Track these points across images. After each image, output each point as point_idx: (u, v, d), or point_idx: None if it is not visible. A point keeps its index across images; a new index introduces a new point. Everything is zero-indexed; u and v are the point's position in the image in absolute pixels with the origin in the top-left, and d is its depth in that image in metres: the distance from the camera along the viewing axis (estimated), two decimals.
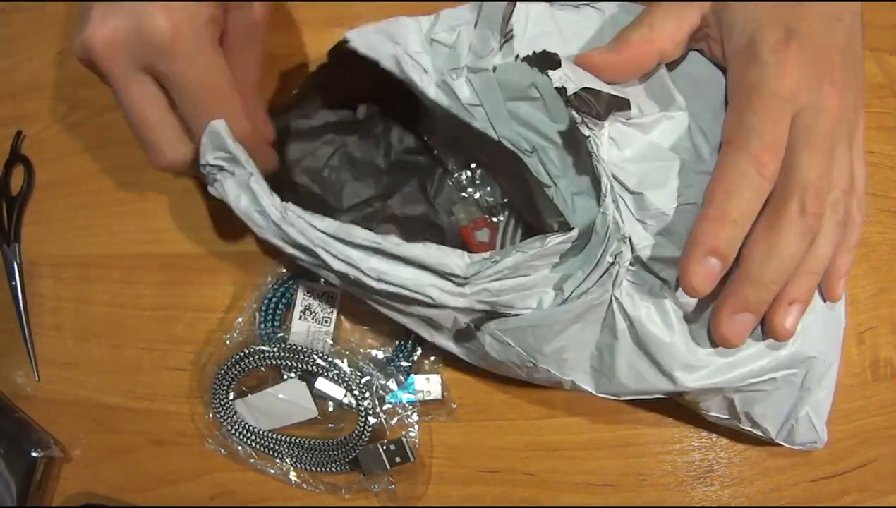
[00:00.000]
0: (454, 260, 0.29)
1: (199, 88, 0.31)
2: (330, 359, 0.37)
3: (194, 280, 0.40)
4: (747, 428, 0.34)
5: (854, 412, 0.38)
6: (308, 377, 0.37)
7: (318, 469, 0.37)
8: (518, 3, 0.32)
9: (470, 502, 0.38)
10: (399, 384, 0.37)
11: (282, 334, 0.38)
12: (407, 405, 0.37)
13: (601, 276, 0.29)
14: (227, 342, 0.38)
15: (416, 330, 0.33)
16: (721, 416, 0.34)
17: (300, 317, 0.38)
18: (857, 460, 0.38)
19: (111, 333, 0.40)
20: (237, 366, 0.37)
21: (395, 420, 0.37)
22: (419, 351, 0.38)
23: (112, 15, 0.31)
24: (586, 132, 0.29)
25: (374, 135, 0.40)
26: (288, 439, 0.37)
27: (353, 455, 0.36)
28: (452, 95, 0.32)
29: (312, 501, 0.37)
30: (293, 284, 0.38)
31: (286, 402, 0.37)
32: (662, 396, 0.32)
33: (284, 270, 0.39)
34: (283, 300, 0.38)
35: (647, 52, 0.32)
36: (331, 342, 0.38)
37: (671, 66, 0.33)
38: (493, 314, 0.31)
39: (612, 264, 0.29)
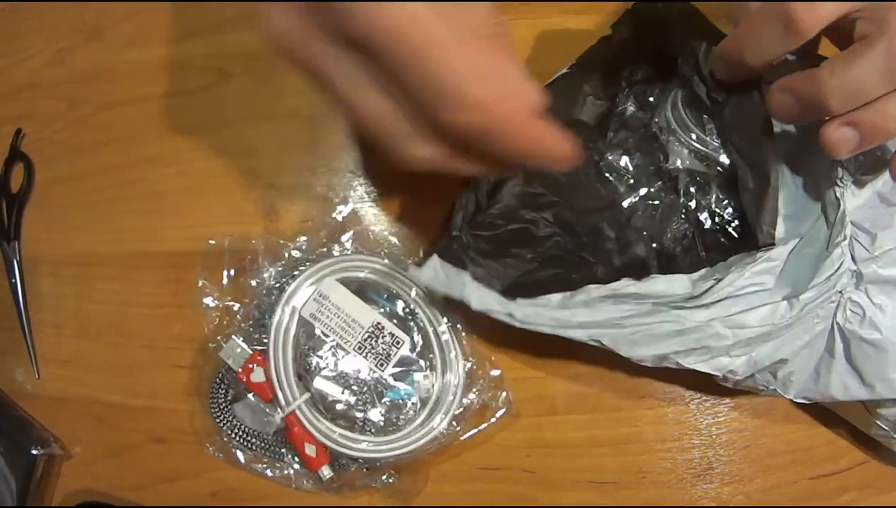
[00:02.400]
0: (682, 282, 0.32)
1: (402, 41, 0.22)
2: (328, 357, 0.37)
3: (194, 278, 0.40)
4: None
5: None
6: (306, 376, 0.37)
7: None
8: None
9: (469, 499, 0.38)
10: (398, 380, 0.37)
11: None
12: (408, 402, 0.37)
13: (827, 300, 0.32)
14: (224, 344, 0.38)
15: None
16: (886, 423, 0.34)
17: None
18: (857, 457, 0.38)
19: (111, 331, 0.40)
20: (233, 370, 0.37)
21: (395, 416, 0.37)
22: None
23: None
24: (839, 182, 0.32)
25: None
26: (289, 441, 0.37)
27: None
28: None
29: (313, 500, 0.37)
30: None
31: None
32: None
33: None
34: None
35: None
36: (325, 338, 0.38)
37: None
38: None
39: (840, 293, 0.32)
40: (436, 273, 0.34)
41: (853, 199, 0.33)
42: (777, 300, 0.31)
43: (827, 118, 0.29)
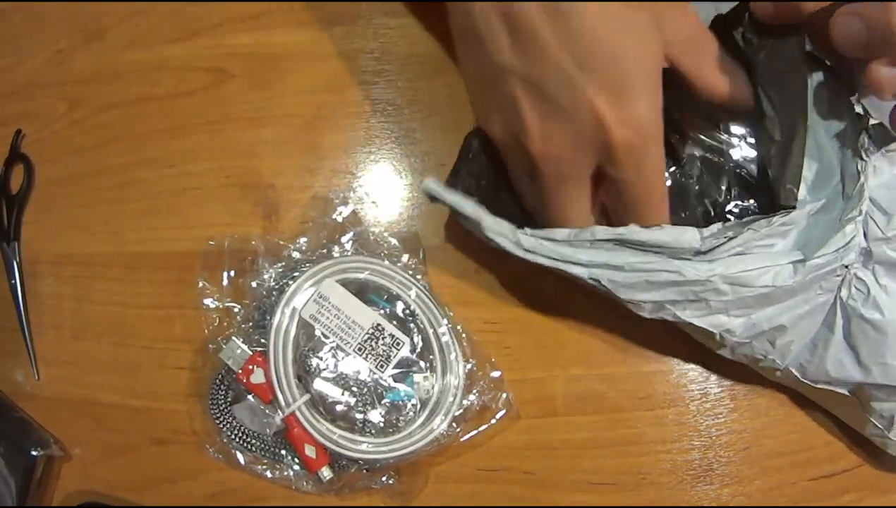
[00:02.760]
0: (692, 235, 0.32)
1: (639, 194, 0.31)
2: (327, 359, 0.37)
3: (194, 278, 0.40)
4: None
5: None
6: (306, 377, 0.37)
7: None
8: None
9: (469, 500, 0.38)
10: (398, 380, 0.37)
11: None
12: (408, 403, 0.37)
13: (833, 273, 0.32)
14: (224, 345, 0.38)
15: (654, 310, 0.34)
16: (880, 420, 0.34)
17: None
18: (856, 459, 0.38)
19: (111, 332, 0.40)
20: (232, 371, 0.37)
21: (395, 417, 0.37)
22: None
23: (553, 118, 0.30)
24: (864, 155, 0.32)
25: None
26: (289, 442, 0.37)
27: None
28: None
29: (313, 500, 0.37)
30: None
31: None
32: (844, 392, 0.34)
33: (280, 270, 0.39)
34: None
35: None
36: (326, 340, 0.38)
37: None
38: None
39: (846, 268, 0.32)
40: (446, 191, 0.34)
41: (874, 176, 0.33)
42: (782, 263, 0.31)
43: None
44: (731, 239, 0.32)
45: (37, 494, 0.38)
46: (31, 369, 0.40)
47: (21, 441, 0.38)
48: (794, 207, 0.32)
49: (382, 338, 0.37)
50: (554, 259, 0.33)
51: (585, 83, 0.29)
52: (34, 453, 0.38)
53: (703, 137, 0.37)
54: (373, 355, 0.37)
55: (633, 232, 0.32)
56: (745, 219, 0.33)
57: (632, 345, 0.39)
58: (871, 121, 0.32)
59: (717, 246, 0.32)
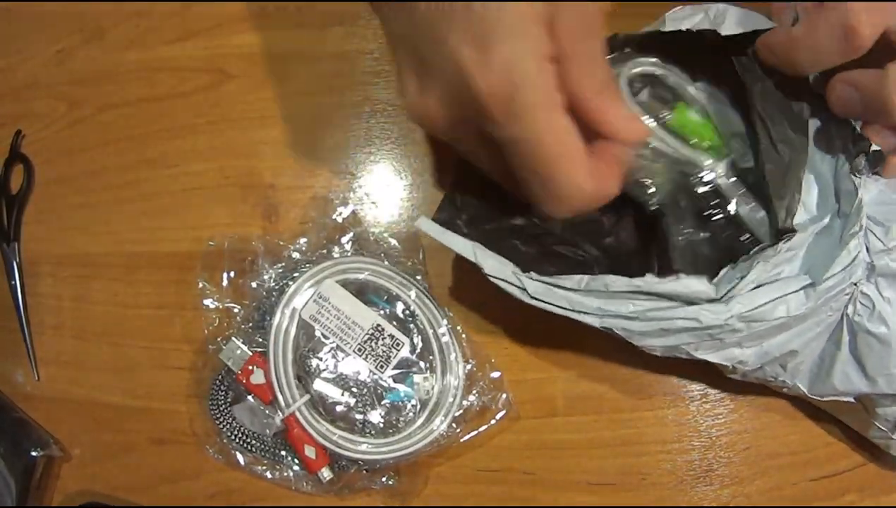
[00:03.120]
0: (705, 286, 0.31)
1: (534, 152, 0.27)
2: (327, 359, 0.37)
3: (194, 279, 0.40)
4: None
5: None
6: (305, 378, 0.37)
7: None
8: None
9: (469, 501, 0.38)
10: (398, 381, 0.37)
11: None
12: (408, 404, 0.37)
13: (842, 292, 0.32)
14: (224, 346, 0.38)
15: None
16: (885, 424, 0.34)
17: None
18: (857, 459, 0.38)
19: (111, 332, 0.40)
20: (233, 372, 0.37)
21: (395, 418, 0.37)
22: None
23: (427, 82, 0.28)
24: (856, 174, 0.32)
25: None
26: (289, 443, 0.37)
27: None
28: None
29: (312, 502, 0.37)
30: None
31: None
32: (850, 400, 0.34)
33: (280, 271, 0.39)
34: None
35: None
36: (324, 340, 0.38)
37: None
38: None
39: (854, 285, 0.32)
40: (445, 233, 0.34)
41: (868, 192, 0.33)
42: (793, 289, 0.31)
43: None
44: (743, 277, 0.31)
45: (37, 494, 0.38)
46: (31, 369, 0.40)
47: (21, 442, 0.38)
48: (794, 231, 0.32)
49: (382, 339, 0.37)
50: (563, 307, 0.32)
51: (448, 33, 0.26)
52: (34, 453, 0.38)
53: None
54: (373, 355, 0.37)
55: (648, 283, 0.31)
56: (751, 253, 0.32)
57: (632, 346, 0.38)
58: (873, 147, 0.32)
59: (732, 288, 0.31)
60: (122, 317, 0.40)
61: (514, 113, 0.26)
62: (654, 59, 0.37)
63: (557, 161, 0.27)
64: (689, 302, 0.32)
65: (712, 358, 0.33)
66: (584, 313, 0.32)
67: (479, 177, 0.34)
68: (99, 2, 0.44)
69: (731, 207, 0.35)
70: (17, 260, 0.41)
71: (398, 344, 0.37)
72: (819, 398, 0.34)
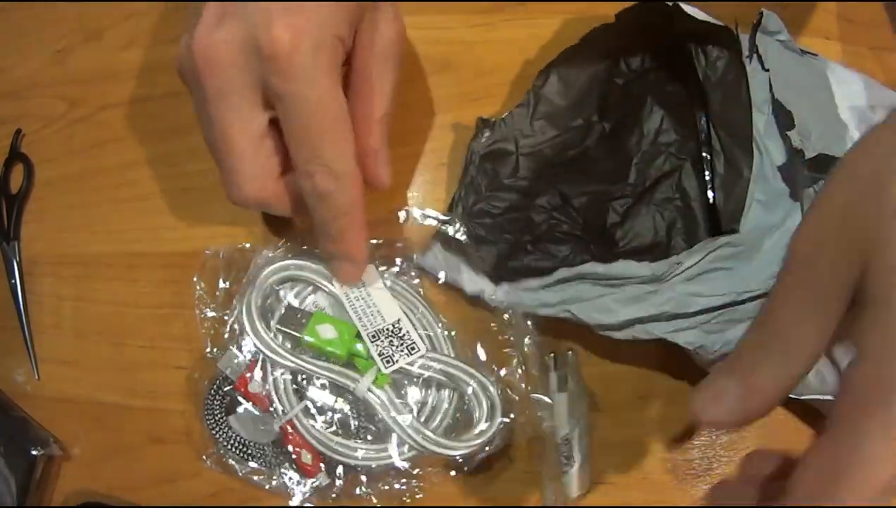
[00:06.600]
0: (642, 270, 0.33)
1: (313, 113, 0.28)
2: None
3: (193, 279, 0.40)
4: None
5: None
6: (302, 385, 0.37)
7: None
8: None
9: (468, 501, 0.38)
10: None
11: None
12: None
13: None
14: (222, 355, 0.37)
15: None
16: None
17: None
18: None
19: (111, 331, 0.40)
20: (229, 380, 0.37)
21: None
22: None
23: (227, 19, 0.28)
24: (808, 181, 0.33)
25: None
26: (285, 450, 0.37)
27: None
28: None
29: (313, 501, 0.37)
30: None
31: None
32: (830, 398, 0.34)
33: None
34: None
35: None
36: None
37: None
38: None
39: None
40: (436, 259, 0.37)
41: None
42: (738, 289, 0.32)
43: None
44: (680, 264, 0.32)
45: (36, 493, 0.38)
46: (31, 368, 0.40)
47: (21, 441, 0.38)
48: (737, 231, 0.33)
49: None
50: (532, 306, 0.35)
51: None
52: (34, 452, 0.38)
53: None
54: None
55: (591, 267, 0.33)
56: (693, 247, 0.33)
57: (631, 345, 0.38)
58: (808, 155, 0.33)
59: (670, 271, 0.32)
60: (122, 317, 0.40)
61: (306, 73, 0.28)
62: (289, 262, 0.37)
63: (335, 131, 0.30)
64: (630, 283, 0.33)
65: (672, 338, 0.33)
66: (544, 306, 0.34)
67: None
68: (99, 2, 0.44)
69: None
70: (17, 259, 0.41)
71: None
72: (797, 396, 0.34)
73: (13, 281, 0.41)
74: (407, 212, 0.40)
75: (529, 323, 0.36)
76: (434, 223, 0.38)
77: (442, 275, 0.37)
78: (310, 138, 0.29)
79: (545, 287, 0.34)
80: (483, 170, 0.39)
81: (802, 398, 0.34)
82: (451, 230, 0.38)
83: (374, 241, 0.38)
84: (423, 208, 0.40)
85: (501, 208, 0.39)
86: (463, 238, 0.38)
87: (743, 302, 0.32)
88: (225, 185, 0.32)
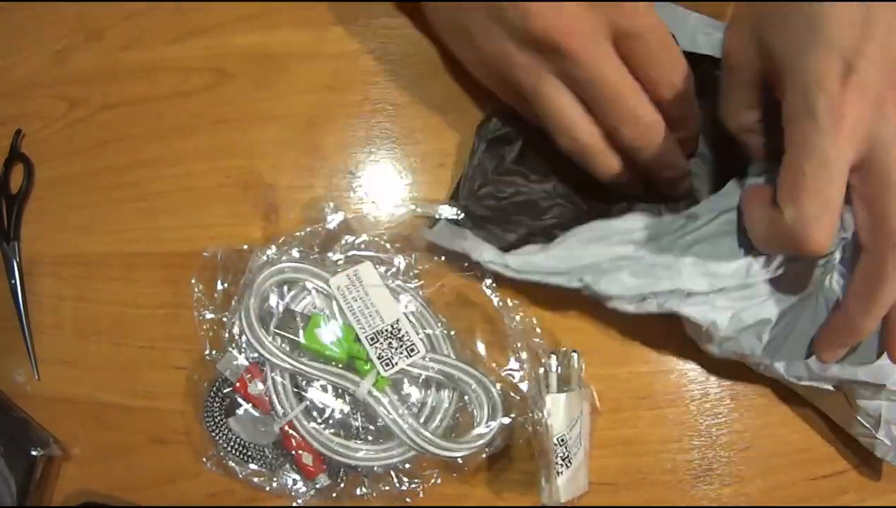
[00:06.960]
0: (640, 220, 0.35)
1: (661, 48, 0.32)
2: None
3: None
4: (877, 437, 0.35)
5: None
6: (302, 386, 0.37)
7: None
8: None
9: (468, 501, 0.38)
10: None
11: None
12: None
13: (810, 265, 0.34)
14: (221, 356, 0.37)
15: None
16: (867, 419, 0.35)
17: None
18: (856, 459, 0.38)
19: (111, 331, 0.40)
20: (228, 382, 0.37)
21: None
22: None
23: None
24: None
25: None
26: (286, 451, 0.37)
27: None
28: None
29: (313, 502, 0.37)
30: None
31: None
32: (829, 388, 0.34)
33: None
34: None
35: None
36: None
37: None
38: None
39: (827, 262, 0.34)
40: (441, 232, 0.37)
41: None
42: (749, 256, 0.33)
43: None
44: (692, 218, 0.34)
45: (36, 493, 0.38)
46: (31, 368, 0.40)
47: (21, 441, 0.38)
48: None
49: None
50: (540, 273, 0.35)
51: None
52: (34, 452, 0.38)
53: None
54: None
55: (589, 226, 0.35)
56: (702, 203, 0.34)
57: (632, 345, 0.39)
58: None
59: (680, 225, 0.34)
60: (121, 317, 0.40)
61: (651, 20, 0.32)
62: (286, 265, 0.37)
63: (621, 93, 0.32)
64: (634, 238, 0.34)
65: (684, 310, 0.33)
66: (557, 274, 0.34)
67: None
68: (99, 1, 0.44)
69: None
70: (17, 259, 0.41)
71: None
72: (797, 381, 0.34)
73: (13, 281, 0.41)
74: (407, 211, 0.41)
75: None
76: (436, 216, 0.38)
77: (451, 246, 0.37)
78: (664, 74, 0.33)
79: (549, 254, 0.35)
80: (490, 154, 0.39)
81: (802, 383, 0.34)
82: (456, 211, 0.38)
83: (375, 241, 0.38)
84: (423, 208, 0.40)
85: (507, 193, 0.39)
86: (468, 220, 0.38)
87: (755, 284, 0.33)
88: (596, 165, 0.35)
